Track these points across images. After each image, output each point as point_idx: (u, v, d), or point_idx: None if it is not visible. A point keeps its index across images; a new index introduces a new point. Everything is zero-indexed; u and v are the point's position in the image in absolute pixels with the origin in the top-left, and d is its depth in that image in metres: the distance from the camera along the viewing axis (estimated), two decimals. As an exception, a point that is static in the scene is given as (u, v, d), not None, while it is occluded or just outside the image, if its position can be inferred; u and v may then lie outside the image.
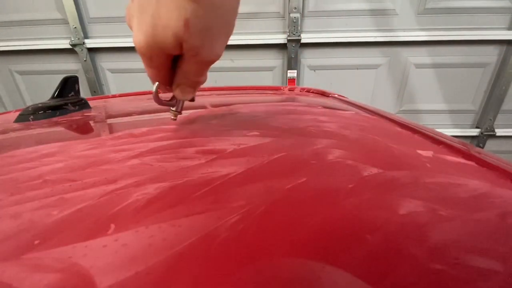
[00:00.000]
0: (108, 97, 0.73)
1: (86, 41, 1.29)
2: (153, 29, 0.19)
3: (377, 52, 1.30)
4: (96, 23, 1.30)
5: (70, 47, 1.30)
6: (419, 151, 0.20)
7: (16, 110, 0.54)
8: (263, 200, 0.13)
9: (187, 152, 0.20)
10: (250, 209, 0.12)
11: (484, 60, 1.29)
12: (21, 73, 1.40)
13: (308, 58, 1.33)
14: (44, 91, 1.37)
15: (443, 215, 0.12)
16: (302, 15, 1.24)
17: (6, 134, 0.33)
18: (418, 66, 1.31)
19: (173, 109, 0.26)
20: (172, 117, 0.27)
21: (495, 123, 1.39)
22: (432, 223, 0.11)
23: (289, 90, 0.71)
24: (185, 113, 0.33)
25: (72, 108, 0.45)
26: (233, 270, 0.09)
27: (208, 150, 0.20)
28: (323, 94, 0.59)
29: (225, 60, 1.33)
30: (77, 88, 0.51)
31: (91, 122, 0.36)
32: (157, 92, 0.24)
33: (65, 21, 1.27)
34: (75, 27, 1.26)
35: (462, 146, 0.22)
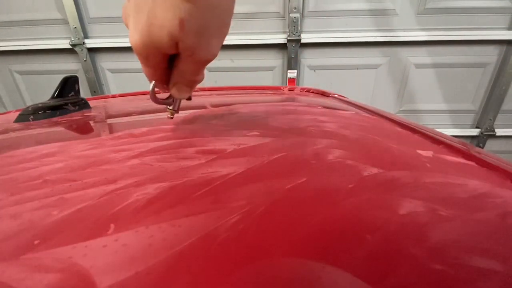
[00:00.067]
0: (108, 97, 0.73)
1: (86, 41, 1.29)
2: (149, 29, 0.19)
3: (377, 52, 1.30)
4: (96, 23, 1.30)
5: (70, 47, 1.30)
6: (419, 151, 0.20)
7: (16, 110, 0.54)
8: (263, 200, 0.13)
9: (187, 152, 0.20)
10: (250, 209, 0.12)
11: (484, 60, 1.29)
12: (21, 73, 1.40)
13: (308, 58, 1.33)
14: (44, 91, 1.37)
15: (443, 215, 0.12)
16: (302, 15, 1.24)
17: (6, 134, 0.33)
18: (418, 66, 1.31)
19: (170, 108, 0.26)
20: (169, 116, 0.27)
21: (495, 123, 1.39)
22: (432, 223, 0.11)
23: (289, 90, 0.71)
24: (185, 113, 0.33)
25: (72, 108, 0.45)
26: (233, 270, 0.09)
27: (208, 150, 0.20)
28: (323, 94, 0.59)
29: (225, 60, 1.33)
30: (77, 88, 0.51)
31: (91, 122, 0.36)
32: (154, 91, 0.24)
33: (65, 21, 1.27)
34: (75, 27, 1.26)
35: (462, 146, 0.22)
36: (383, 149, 0.20)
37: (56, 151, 0.22)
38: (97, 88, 1.40)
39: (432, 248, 0.10)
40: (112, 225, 0.11)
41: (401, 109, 1.42)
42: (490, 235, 0.11)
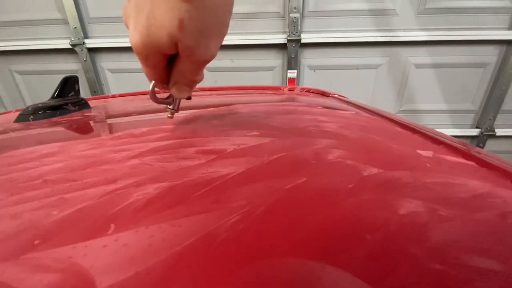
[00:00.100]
0: (108, 97, 0.73)
1: (86, 41, 1.29)
2: (149, 29, 0.19)
3: (377, 52, 1.30)
4: (96, 23, 1.30)
5: (70, 47, 1.30)
6: (419, 151, 0.20)
7: (16, 110, 0.54)
8: (263, 200, 0.13)
9: (187, 152, 0.20)
10: (250, 209, 0.12)
11: (484, 60, 1.29)
12: (21, 73, 1.40)
13: (308, 58, 1.33)
14: (44, 91, 1.37)
15: (443, 215, 0.12)
16: (302, 15, 1.24)
17: (6, 134, 0.33)
18: (418, 66, 1.31)
19: (170, 107, 0.27)
20: (169, 115, 0.27)
21: (495, 123, 1.39)
22: (432, 223, 0.11)
23: (289, 90, 0.71)
24: (185, 113, 0.33)
25: (72, 108, 0.45)
26: (233, 270, 0.09)
27: (208, 150, 0.20)
28: (323, 94, 0.59)
29: (225, 60, 1.33)
30: (77, 88, 0.51)
31: (91, 122, 0.36)
32: (153, 91, 0.24)
33: (65, 21, 1.27)
34: (75, 27, 1.26)
35: (462, 146, 0.22)
36: (383, 149, 0.20)
37: (56, 151, 0.22)
38: (97, 88, 1.40)
39: (432, 248, 0.10)
40: (112, 225, 0.11)
41: (401, 109, 1.42)
42: (490, 235, 0.11)
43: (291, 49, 1.27)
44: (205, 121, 0.29)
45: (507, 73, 1.27)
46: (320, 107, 0.37)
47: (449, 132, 1.39)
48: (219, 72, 1.34)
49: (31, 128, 0.34)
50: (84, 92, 1.38)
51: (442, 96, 1.37)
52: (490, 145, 1.46)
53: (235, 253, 0.10)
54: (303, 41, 1.25)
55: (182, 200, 0.13)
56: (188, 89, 0.24)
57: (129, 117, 0.38)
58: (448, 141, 0.22)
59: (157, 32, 0.19)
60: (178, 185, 0.15)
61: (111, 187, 0.15)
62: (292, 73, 1.30)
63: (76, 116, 0.41)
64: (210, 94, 0.60)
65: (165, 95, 0.26)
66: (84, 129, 0.34)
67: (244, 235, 0.11)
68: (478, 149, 0.22)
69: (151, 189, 0.14)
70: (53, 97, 0.47)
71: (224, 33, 0.21)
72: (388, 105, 1.40)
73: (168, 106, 0.27)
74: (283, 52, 1.31)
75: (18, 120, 0.39)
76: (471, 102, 1.38)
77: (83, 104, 0.48)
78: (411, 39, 1.24)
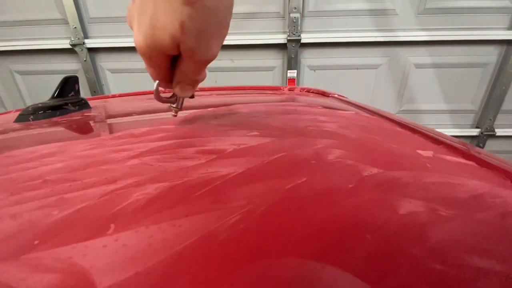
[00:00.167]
0: (108, 97, 0.73)
1: (86, 41, 1.29)
2: (152, 31, 0.19)
3: (377, 52, 1.30)
4: (96, 23, 1.30)
5: (70, 47, 1.30)
6: (419, 151, 0.20)
7: (16, 110, 0.54)
8: (263, 200, 0.13)
9: (187, 152, 0.20)
10: (250, 209, 0.12)
11: (484, 60, 1.29)
12: (21, 73, 1.40)
13: (308, 58, 1.33)
14: (44, 91, 1.37)
15: (443, 215, 0.12)
16: (302, 15, 1.24)
17: (6, 134, 0.33)
18: (418, 66, 1.31)
19: (174, 106, 0.28)
20: (173, 114, 0.28)
21: (495, 123, 1.39)
22: (432, 223, 0.11)
23: (289, 90, 0.71)
24: (185, 113, 0.33)
25: (72, 108, 0.45)
26: (233, 270, 0.09)
27: (208, 150, 0.20)
28: (323, 94, 0.59)
29: (225, 60, 1.33)
30: (77, 88, 0.51)
31: (91, 122, 0.36)
32: (157, 90, 0.24)
33: (65, 21, 1.27)
34: (75, 27, 1.26)
35: (462, 146, 0.22)
36: (383, 149, 0.20)
37: (56, 151, 0.22)
38: (97, 88, 1.40)
39: (432, 248, 0.10)
40: (112, 225, 0.11)
41: (401, 109, 1.42)
42: (490, 235, 0.11)
43: (291, 49, 1.27)
44: (205, 121, 0.29)
45: (507, 73, 1.27)
46: (320, 107, 0.37)
47: (449, 132, 1.39)
48: (219, 72, 1.34)
49: (31, 128, 0.34)
50: (84, 92, 1.38)
51: (442, 96, 1.37)
52: (490, 145, 1.46)
53: (235, 253, 0.10)
54: (303, 41, 1.25)
55: (182, 200, 0.13)
56: (191, 88, 0.25)
57: (129, 117, 0.38)
58: (448, 141, 0.22)
59: (159, 34, 0.19)
60: (178, 185, 0.15)
61: (111, 187, 0.15)
62: (292, 73, 1.30)
63: (76, 116, 0.41)
64: (210, 94, 0.60)
65: (169, 94, 0.27)
66: (84, 129, 0.34)
67: (244, 235, 0.11)
68: (478, 149, 0.22)
69: (151, 189, 0.14)
70: (53, 97, 0.47)
71: (224, 34, 0.22)
72: (388, 105, 1.40)
73: (172, 104, 0.27)
74: (283, 52, 1.31)
75: (18, 120, 0.39)
76: (471, 102, 1.38)
77: (83, 104, 0.48)
78: (411, 39, 1.24)
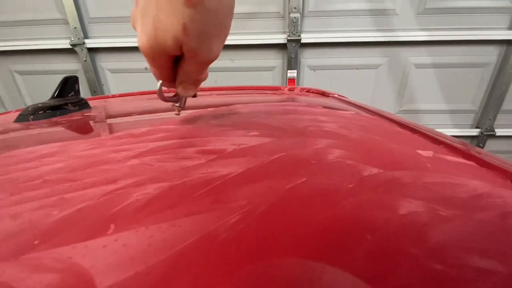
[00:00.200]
0: (108, 97, 0.73)
1: (86, 41, 1.29)
2: (155, 32, 0.20)
3: (377, 52, 1.30)
4: (96, 23, 1.30)
5: (70, 47, 1.30)
6: (419, 151, 0.20)
7: (16, 110, 0.54)
8: (263, 200, 0.13)
9: (187, 152, 0.20)
10: (250, 209, 0.12)
11: (484, 60, 1.29)
12: (21, 73, 1.40)
13: (308, 58, 1.33)
14: (44, 91, 1.37)
15: (443, 215, 0.12)
16: (302, 15, 1.24)
17: (6, 134, 0.33)
18: (418, 66, 1.31)
19: (177, 105, 0.28)
20: (176, 113, 0.29)
21: (495, 123, 1.39)
22: (432, 223, 0.11)
23: (289, 90, 0.71)
24: (185, 113, 0.33)
25: (72, 108, 0.45)
26: (233, 270, 0.09)
27: (208, 150, 0.20)
28: (323, 94, 0.59)
29: (225, 60, 1.33)
30: (77, 88, 0.51)
31: (91, 122, 0.36)
32: (161, 90, 0.25)
33: (65, 21, 1.27)
34: (75, 27, 1.26)
35: (462, 146, 0.22)
36: (383, 149, 0.20)
37: (56, 151, 0.22)
38: (97, 88, 1.40)
39: (432, 248, 0.10)
40: (112, 225, 0.11)
41: (401, 109, 1.42)
42: (490, 235, 0.11)
43: (291, 49, 1.27)
44: (205, 121, 0.29)
45: (507, 73, 1.27)
46: (320, 107, 0.37)
47: (449, 132, 1.39)
48: (219, 72, 1.34)
49: (31, 128, 0.34)
50: (84, 92, 1.37)
51: (442, 96, 1.37)
52: (490, 145, 1.46)
53: (235, 253, 0.10)
54: (303, 41, 1.25)
55: (182, 200, 0.13)
56: (193, 88, 0.26)
57: (129, 117, 0.38)
58: (448, 141, 0.22)
59: (162, 35, 0.20)
60: (178, 185, 0.15)
61: (111, 187, 0.15)
62: (292, 73, 1.30)
63: (76, 116, 0.41)
64: (210, 94, 0.60)
65: (172, 93, 0.27)
66: (84, 129, 0.34)
67: (244, 235, 0.11)
68: (478, 149, 0.22)
69: (151, 189, 0.14)
70: (53, 97, 0.47)
71: (226, 34, 0.22)
72: (388, 105, 1.40)
73: (174, 104, 0.28)
74: (283, 52, 1.31)
75: (18, 120, 0.39)
76: (471, 102, 1.38)
77: (83, 104, 0.48)
78: (411, 39, 1.24)
